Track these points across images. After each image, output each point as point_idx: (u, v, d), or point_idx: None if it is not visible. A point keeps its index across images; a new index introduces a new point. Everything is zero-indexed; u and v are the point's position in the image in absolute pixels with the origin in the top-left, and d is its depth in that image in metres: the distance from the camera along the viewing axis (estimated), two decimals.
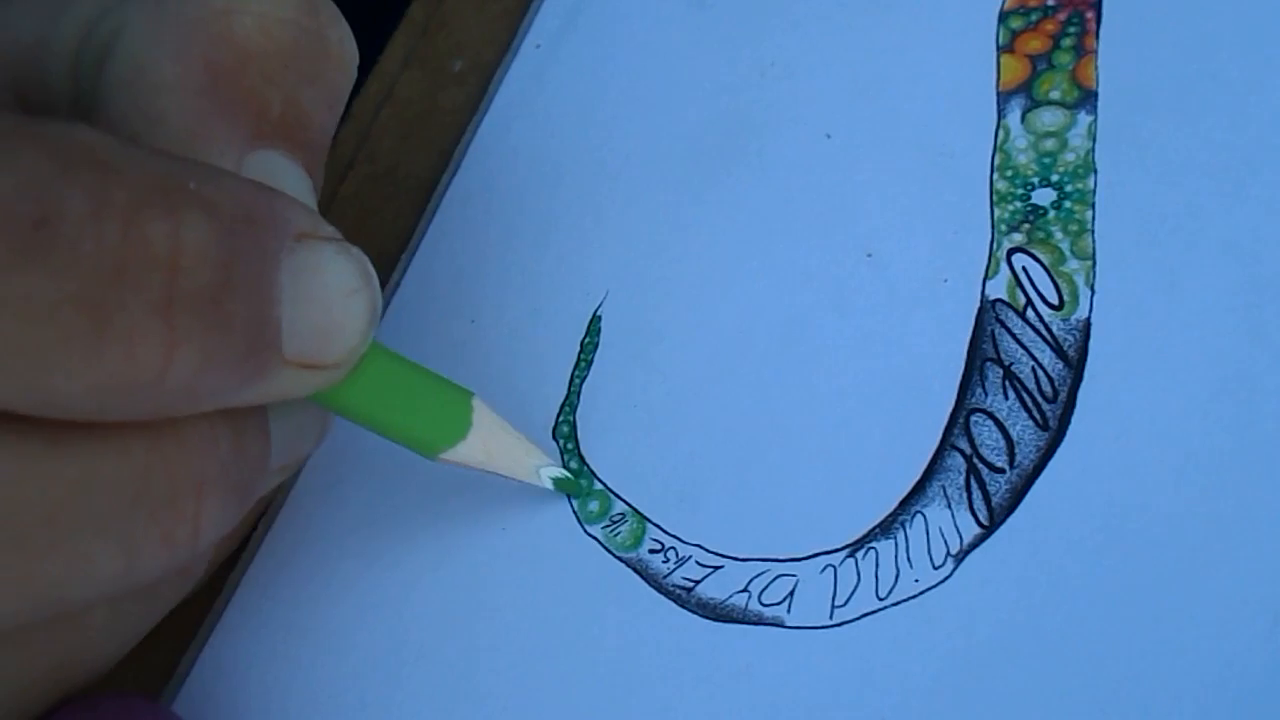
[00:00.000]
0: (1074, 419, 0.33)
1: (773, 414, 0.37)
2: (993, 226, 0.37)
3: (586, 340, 0.40)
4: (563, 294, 0.41)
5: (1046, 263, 0.36)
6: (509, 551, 0.37)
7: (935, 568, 0.33)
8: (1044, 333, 0.35)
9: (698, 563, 0.35)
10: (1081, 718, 0.30)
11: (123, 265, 0.26)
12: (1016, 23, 0.40)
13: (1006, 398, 0.34)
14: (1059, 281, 0.36)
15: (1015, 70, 0.40)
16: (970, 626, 0.32)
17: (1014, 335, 0.35)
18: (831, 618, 0.33)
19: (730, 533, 0.35)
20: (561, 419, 0.39)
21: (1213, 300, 0.34)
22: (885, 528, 0.34)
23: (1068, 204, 0.37)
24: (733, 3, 0.45)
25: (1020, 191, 0.37)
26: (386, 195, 0.47)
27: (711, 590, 0.35)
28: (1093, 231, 0.36)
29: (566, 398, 0.39)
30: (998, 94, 0.39)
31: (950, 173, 0.39)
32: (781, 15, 0.44)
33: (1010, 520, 0.33)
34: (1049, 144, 0.38)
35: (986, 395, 0.35)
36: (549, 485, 0.37)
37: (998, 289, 0.36)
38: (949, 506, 0.33)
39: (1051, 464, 0.33)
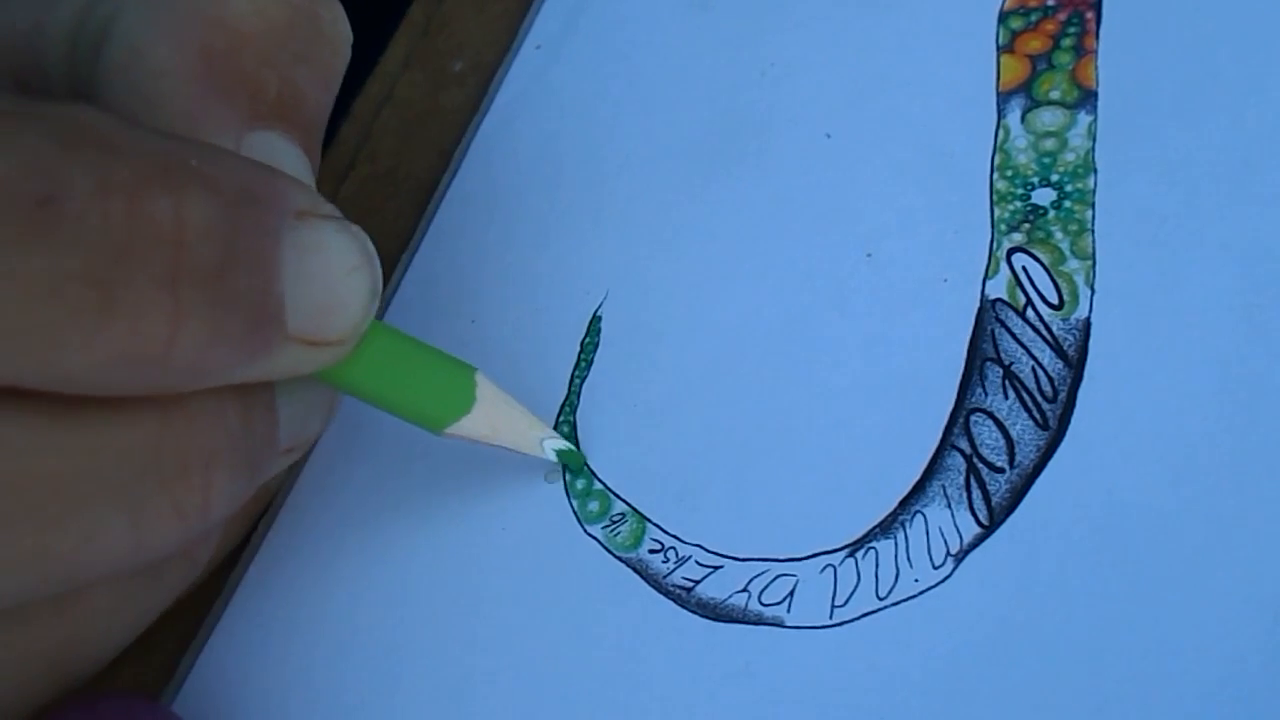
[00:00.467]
0: (1074, 419, 0.33)
1: (772, 414, 0.37)
2: (993, 226, 0.37)
3: (586, 340, 0.40)
4: (563, 294, 0.41)
5: (1046, 262, 0.36)
6: (509, 551, 0.38)
7: (935, 567, 0.33)
8: (1044, 332, 0.35)
9: (697, 562, 0.35)
10: (1082, 717, 0.30)
11: (127, 242, 0.26)
12: (1016, 23, 0.40)
13: (1006, 397, 0.34)
14: (1059, 281, 0.36)
15: (1015, 70, 0.40)
16: (970, 626, 0.32)
17: (1014, 335, 0.35)
18: (831, 618, 0.33)
19: (730, 532, 0.35)
20: (561, 419, 0.39)
21: (1213, 300, 0.34)
22: (885, 527, 0.34)
23: (1068, 204, 0.37)
24: (733, 3, 0.45)
25: (1020, 191, 0.37)
26: (387, 195, 0.47)
27: (711, 590, 0.35)
28: (1093, 231, 0.36)
29: (566, 397, 0.39)
30: (998, 94, 0.39)
31: (950, 172, 0.39)
32: (782, 15, 0.44)
33: (1010, 520, 0.33)
34: (1049, 144, 0.38)
35: (986, 395, 0.35)
36: (553, 457, 0.37)
37: (998, 289, 0.36)
38: (949, 506, 0.33)
39: (1051, 463, 0.33)
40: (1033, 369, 0.34)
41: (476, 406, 0.35)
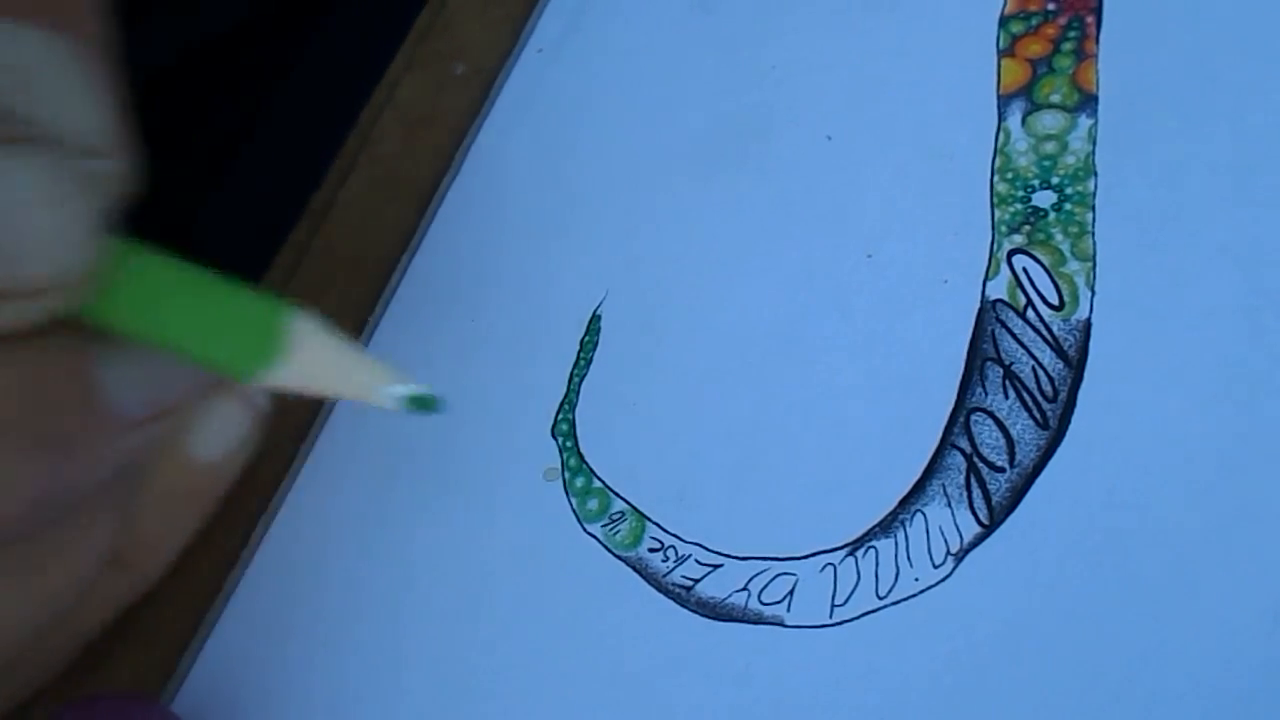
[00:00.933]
0: (1074, 418, 0.33)
1: (773, 413, 0.37)
2: (993, 228, 0.37)
3: (586, 339, 0.40)
4: (563, 294, 0.42)
5: (1047, 264, 0.36)
6: (508, 550, 0.37)
7: (935, 566, 0.33)
8: (1044, 333, 0.35)
9: (697, 561, 0.35)
10: (1081, 716, 0.30)
11: None
12: (1017, 27, 0.41)
13: (1007, 397, 0.34)
14: (1059, 282, 0.36)
15: (1016, 74, 0.40)
16: (970, 625, 0.32)
17: (1014, 335, 0.35)
18: (831, 616, 0.33)
19: (730, 531, 0.35)
20: (561, 417, 0.39)
21: (1212, 301, 0.34)
22: (885, 526, 0.34)
23: (1068, 206, 0.37)
24: (734, 6, 0.46)
25: (1021, 193, 0.37)
26: (388, 197, 0.47)
27: (711, 589, 0.35)
28: (1093, 233, 0.36)
29: (566, 396, 0.40)
30: (998, 97, 0.40)
31: (951, 175, 0.39)
32: (783, 18, 0.44)
33: (1010, 519, 0.33)
34: (1049, 147, 0.38)
35: (987, 394, 0.35)
36: (398, 405, 0.31)
37: (998, 289, 0.36)
38: (949, 505, 0.33)
39: (1052, 463, 0.33)
40: (1033, 369, 0.34)
41: (295, 353, 0.30)
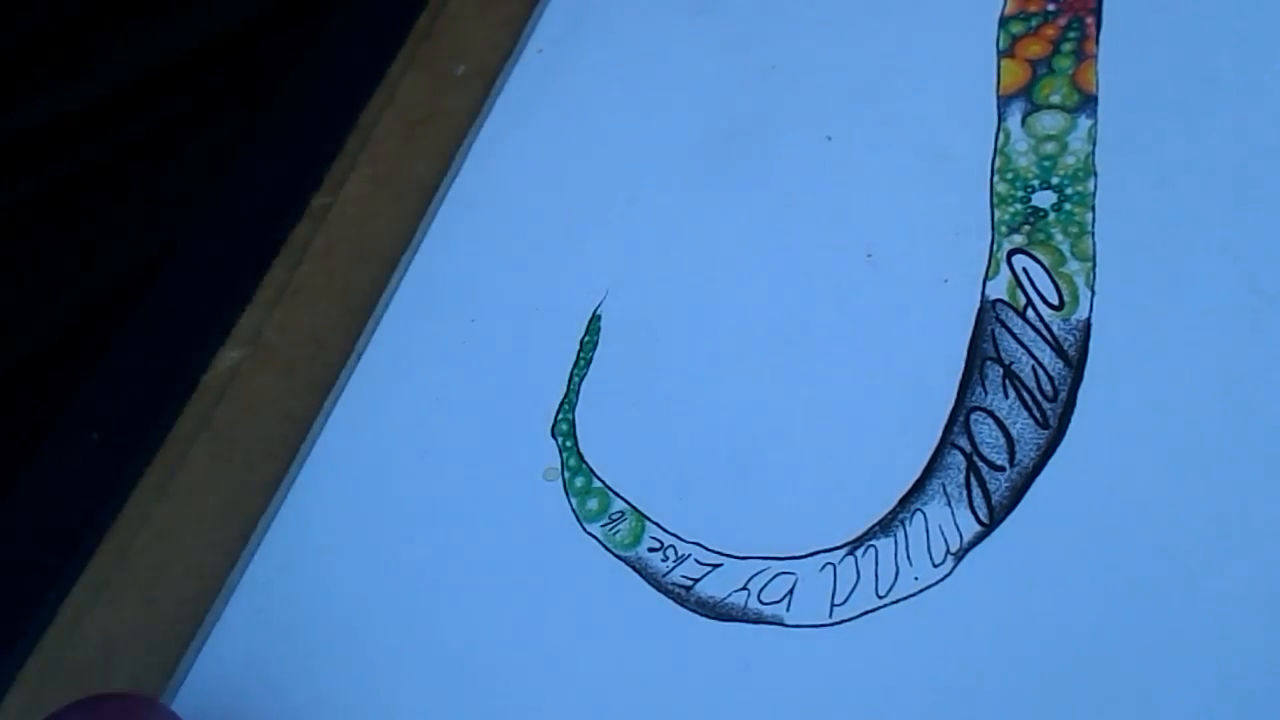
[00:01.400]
0: (1074, 418, 0.33)
1: (772, 412, 0.37)
2: (993, 228, 0.37)
3: (586, 339, 0.40)
4: (563, 293, 0.42)
5: (1047, 264, 0.36)
6: (508, 550, 0.37)
7: (935, 565, 0.33)
8: (1044, 332, 0.35)
9: (697, 561, 0.35)
10: (1081, 715, 0.30)
11: None
12: (1017, 28, 0.41)
13: (1007, 396, 0.34)
14: (1059, 282, 0.36)
15: (1016, 74, 0.40)
16: (970, 624, 0.32)
17: (1014, 335, 0.35)
18: (831, 616, 0.33)
19: (730, 531, 0.35)
20: (560, 417, 0.39)
21: (1212, 300, 0.34)
22: (885, 525, 0.34)
23: (1068, 206, 0.37)
24: (734, 8, 0.46)
25: (1021, 194, 0.37)
26: (388, 197, 0.47)
27: (711, 588, 0.35)
28: (1093, 233, 0.36)
29: (566, 396, 0.39)
30: (998, 98, 0.40)
31: (950, 175, 0.39)
32: (782, 19, 0.44)
33: (1010, 518, 0.33)
34: (1049, 147, 0.38)
35: (987, 394, 0.35)
36: None
37: (998, 289, 0.36)
38: (949, 504, 0.33)
39: (1052, 462, 0.33)
40: (1033, 368, 0.34)
41: None
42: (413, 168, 0.47)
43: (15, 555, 0.44)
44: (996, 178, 0.38)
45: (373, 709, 0.37)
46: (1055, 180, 0.37)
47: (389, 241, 0.45)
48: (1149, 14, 0.39)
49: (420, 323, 0.43)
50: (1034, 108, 0.39)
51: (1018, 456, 0.33)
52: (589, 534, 0.37)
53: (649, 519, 0.37)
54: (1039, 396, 0.34)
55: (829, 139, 0.41)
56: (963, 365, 0.35)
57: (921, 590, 0.33)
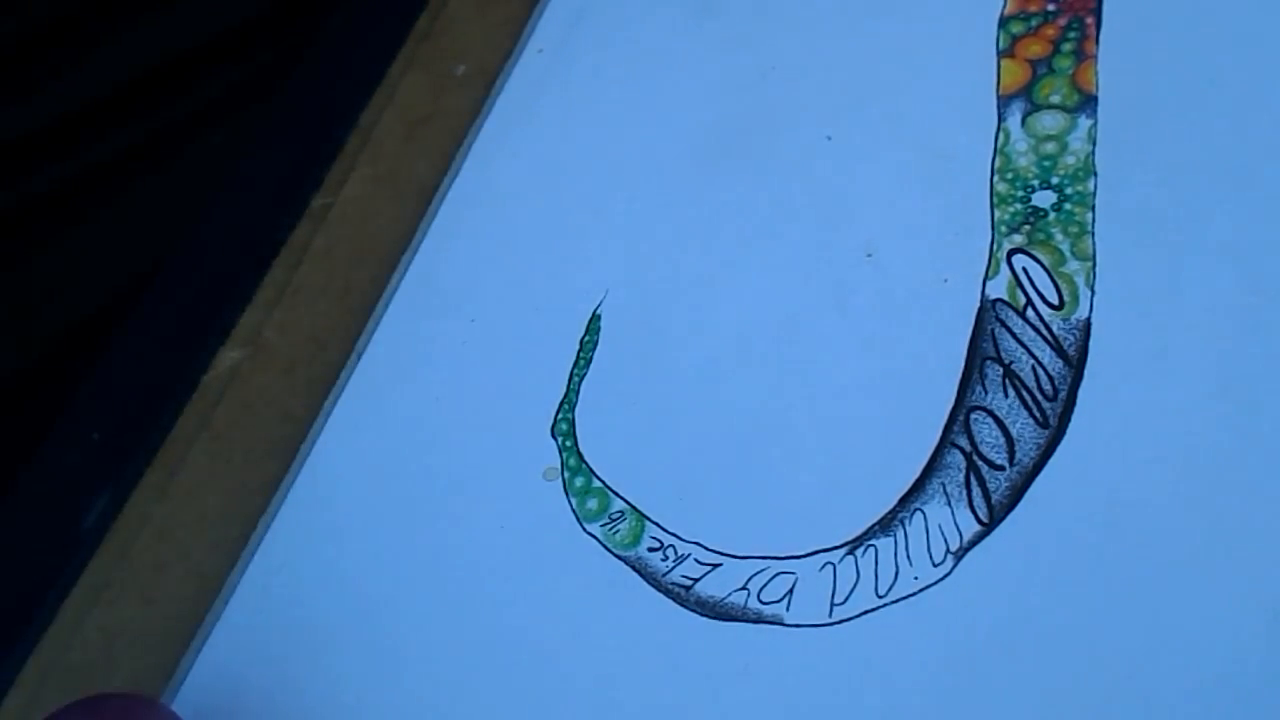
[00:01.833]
0: (1074, 417, 0.33)
1: (772, 412, 0.37)
2: (993, 228, 0.37)
3: (586, 339, 0.40)
4: (563, 293, 0.42)
5: (1047, 263, 0.36)
6: (507, 550, 0.37)
7: (935, 565, 0.33)
8: (1044, 332, 0.35)
9: (697, 560, 0.35)
10: (1081, 715, 0.30)
11: None
12: (1017, 28, 0.41)
13: (1006, 396, 0.34)
14: (1059, 282, 0.36)
15: (1016, 74, 0.40)
16: (970, 624, 0.32)
17: (1014, 334, 0.35)
18: (831, 615, 0.33)
19: (729, 530, 0.35)
20: (560, 416, 0.39)
21: (1212, 300, 0.34)
22: (885, 525, 0.34)
23: (1068, 206, 0.37)
24: (734, 8, 0.46)
25: (1021, 194, 0.37)
26: (388, 197, 0.47)
27: (710, 588, 0.35)
28: (1093, 233, 0.36)
29: (565, 395, 0.40)
30: (998, 98, 0.40)
31: (950, 175, 0.39)
32: (782, 19, 0.44)
33: (1010, 517, 0.33)
34: (1049, 147, 0.38)
35: (986, 393, 0.35)
36: None
37: (998, 289, 0.36)
38: (949, 504, 0.33)
39: (1051, 462, 0.33)
40: (1033, 368, 0.34)
41: None
42: (413, 168, 0.47)
43: (15, 555, 0.44)
44: (996, 177, 0.38)
45: (373, 709, 0.37)
46: (1055, 180, 0.37)
47: (389, 241, 0.45)
48: (1149, 14, 0.39)
49: (420, 323, 0.43)
50: (1034, 108, 0.39)
51: (1018, 456, 0.33)
52: (589, 534, 0.37)
53: (649, 519, 0.37)
54: (1039, 396, 0.34)
55: (829, 139, 0.41)
56: (962, 365, 0.35)
57: (921, 590, 0.33)
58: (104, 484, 0.44)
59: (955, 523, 0.33)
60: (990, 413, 0.34)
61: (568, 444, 0.39)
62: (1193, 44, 0.38)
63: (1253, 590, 0.30)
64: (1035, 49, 0.40)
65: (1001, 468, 0.33)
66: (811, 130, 0.42)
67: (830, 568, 0.34)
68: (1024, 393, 0.34)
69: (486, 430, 0.40)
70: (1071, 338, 0.35)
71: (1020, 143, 0.38)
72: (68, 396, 0.47)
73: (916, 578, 0.33)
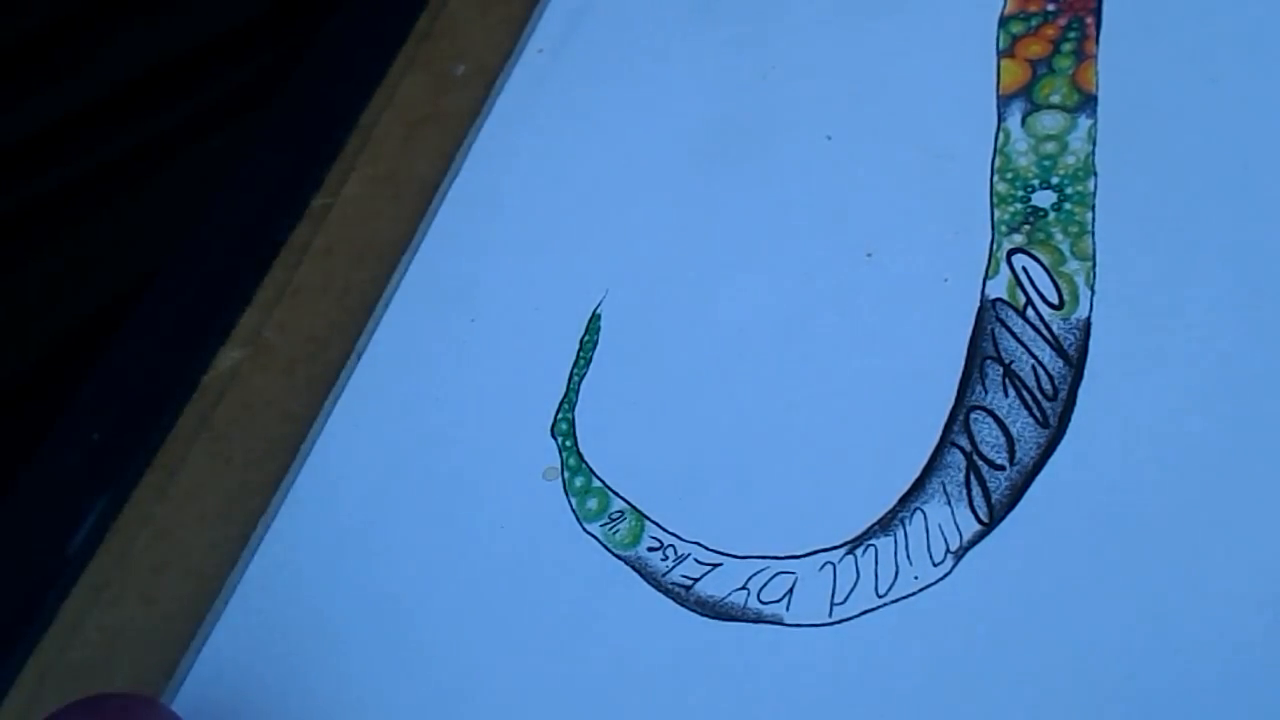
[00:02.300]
0: (1074, 417, 0.33)
1: (772, 412, 0.37)
2: (993, 227, 0.37)
3: (586, 338, 0.40)
4: (563, 293, 0.42)
5: (1047, 263, 0.36)
6: (507, 550, 0.37)
7: (935, 565, 0.33)
8: (1044, 332, 0.35)
9: (696, 560, 0.35)
10: (1081, 714, 0.30)
11: None
12: (1017, 27, 0.41)
13: (1006, 395, 0.34)
14: (1059, 281, 0.36)
15: (1016, 74, 0.40)
16: (970, 623, 0.32)
17: (1014, 334, 0.35)
18: (831, 615, 0.33)
19: (729, 530, 0.35)
20: (560, 416, 0.39)
21: (1212, 300, 0.34)
22: (885, 525, 0.34)
23: (1068, 206, 0.37)
24: (734, 8, 0.46)
25: (1020, 193, 0.37)
26: (388, 197, 0.47)
27: (710, 588, 0.35)
28: (1093, 233, 0.36)
29: (565, 395, 0.40)
30: (998, 97, 0.40)
31: (950, 175, 0.39)
32: (782, 19, 0.44)
33: (1010, 517, 0.33)
34: (1049, 147, 0.38)
35: (986, 393, 0.35)
36: None
37: (998, 289, 0.36)
38: (949, 503, 0.33)
39: (1052, 461, 0.33)
40: (1033, 367, 0.34)
41: None
42: (413, 168, 0.47)
43: (15, 555, 0.44)
44: (996, 177, 0.38)
45: (372, 709, 0.37)
46: (1055, 180, 0.37)
47: (389, 241, 0.45)
48: (1149, 14, 0.39)
49: (420, 323, 0.43)
50: (1034, 107, 0.39)
51: (1018, 455, 0.33)
52: (588, 533, 0.37)
53: (648, 518, 0.37)
54: (1039, 395, 0.34)
55: (829, 139, 0.41)
56: (962, 364, 0.35)
57: (921, 589, 0.33)
58: (104, 484, 0.44)
59: (955, 522, 0.33)
60: (990, 412, 0.34)
61: (568, 444, 0.39)
62: (1193, 44, 0.38)
63: (1253, 590, 0.30)
64: (1035, 49, 0.40)
65: (1002, 467, 0.33)
66: (811, 130, 0.42)
67: (830, 567, 0.34)
68: (1024, 392, 0.34)
69: (486, 430, 0.40)
70: (1071, 337, 0.35)
71: (1020, 142, 0.38)
72: (68, 397, 0.47)
73: (916, 577, 0.33)
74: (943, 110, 0.40)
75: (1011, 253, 0.37)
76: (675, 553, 0.36)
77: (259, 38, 0.55)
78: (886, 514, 0.34)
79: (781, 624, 0.34)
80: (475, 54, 0.49)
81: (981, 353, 0.35)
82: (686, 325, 0.39)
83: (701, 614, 0.34)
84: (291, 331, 0.45)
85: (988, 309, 0.36)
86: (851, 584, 0.33)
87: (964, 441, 0.34)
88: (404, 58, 0.50)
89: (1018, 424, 0.34)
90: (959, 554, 0.33)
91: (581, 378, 0.40)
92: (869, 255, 0.38)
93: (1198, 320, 0.34)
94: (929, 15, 0.42)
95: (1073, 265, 0.36)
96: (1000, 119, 0.39)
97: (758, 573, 0.34)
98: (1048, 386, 0.34)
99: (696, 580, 0.35)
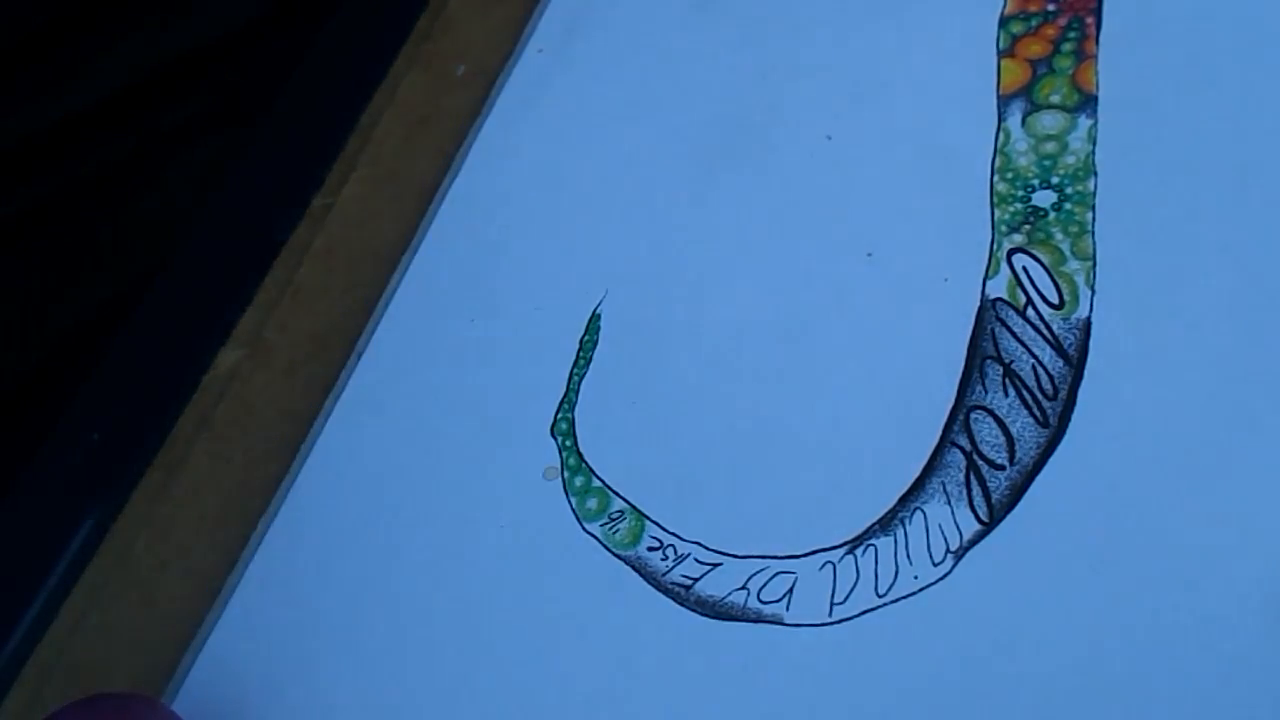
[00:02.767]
0: (1074, 416, 0.33)
1: (772, 411, 0.37)
2: (993, 227, 0.37)
3: (586, 338, 0.40)
4: (563, 293, 0.42)
5: (1047, 263, 0.36)
6: (507, 549, 0.37)
7: (935, 564, 0.33)
8: (1044, 331, 0.35)
9: (696, 560, 0.35)
10: (1081, 714, 0.30)
11: None
12: (1017, 27, 0.41)
13: (1006, 395, 0.34)
14: (1059, 281, 0.36)
15: (1016, 74, 0.40)
16: (970, 623, 0.32)
17: (1014, 334, 0.35)
18: (831, 615, 0.33)
19: (729, 529, 0.35)
20: (560, 416, 0.39)
21: (1212, 299, 0.34)
22: (885, 524, 0.34)
23: (1068, 205, 0.37)
24: (734, 7, 0.46)
25: (1021, 193, 0.37)
26: (388, 197, 0.47)
27: (710, 588, 0.35)
28: (1093, 233, 0.36)
29: (565, 395, 0.40)
30: (998, 97, 0.40)
31: (951, 175, 0.39)
32: (783, 19, 0.44)
33: (1010, 517, 0.33)
34: (1049, 147, 0.38)
35: (987, 392, 0.35)
36: None
37: (998, 288, 0.36)
38: (949, 503, 0.33)
39: (1052, 461, 0.33)
40: (1033, 367, 0.34)
41: None
42: (413, 168, 0.47)
43: (16, 555, 0.44)
44: (996, 177, 0.38)
45: (372, 709, 0.37)
46: (1055, 180, 0.37)
47: (389, 241, 0.45)
48: (1149, 14, 0.39)
49: (420, 322, 0.43)
50: (1034, 107, 0.39)
51: (1018, 455, 0.33)
52: (588, 533, 0.37)
53: (648, 518, 0.37)
54: (1039, 395, 0.34)
55: (829, 139, 0.41)
56: (962, 364, 0.35)
57: (921, 589, 0.33)
58: (104, 484, 0.44)
59: (955, 522, 0.33)
60: (990, 412, 0.34)
61: (568, 443, 0.39)
62: (1193, 44, 0.38)
63: (1253, 590, 0.30)
64: (1035, 49, 0.40)
65: (1002, 467, 0.33)
66: (811, 130, 0.42)
67: (830, 567, 0.34)
68: (1024, 392, 0.34)
69: (486, 430, 0.40)
70: (1071, 337, 0.35)
71: (1020, 142, 0.38)
72: (68, 397, 0.47)
73: (916, 577, 0.33)
74: (943, 110, 0.40)
75: (1012, 252, 0.37)
76: (675, 552, 0.36)
77: (259, 38, 0.55)
78: (886, 514, 0.34)
79: (781, 624, 0.34)
80: (475, 54, 0.49)
81: (981, 352, 0.35)
82: (686, 325, 0.39)
83: (701, 614, 0.34)
84: (291, 331, 0.45)
85: (988, 309, 0.36)
86: (851, 584, 0.33)
87: (964, 441, 0.34)
88: (404, 58, 0.50)
89: (1018, 424, 0.34)
90: (959, 554, 0.33)
91: (581, 377, 0.40)
92: (869, 255, 0.38)
93: (1198, 320, 0.34)
94: (929, 15, 0.42)
95: (1073, 265, 0.36)
96: (1000, 119, 0.39)
97: (758, 572, 0.34)
98: (1048, 386, 0.34)
99: (696, 580, 0.35)
